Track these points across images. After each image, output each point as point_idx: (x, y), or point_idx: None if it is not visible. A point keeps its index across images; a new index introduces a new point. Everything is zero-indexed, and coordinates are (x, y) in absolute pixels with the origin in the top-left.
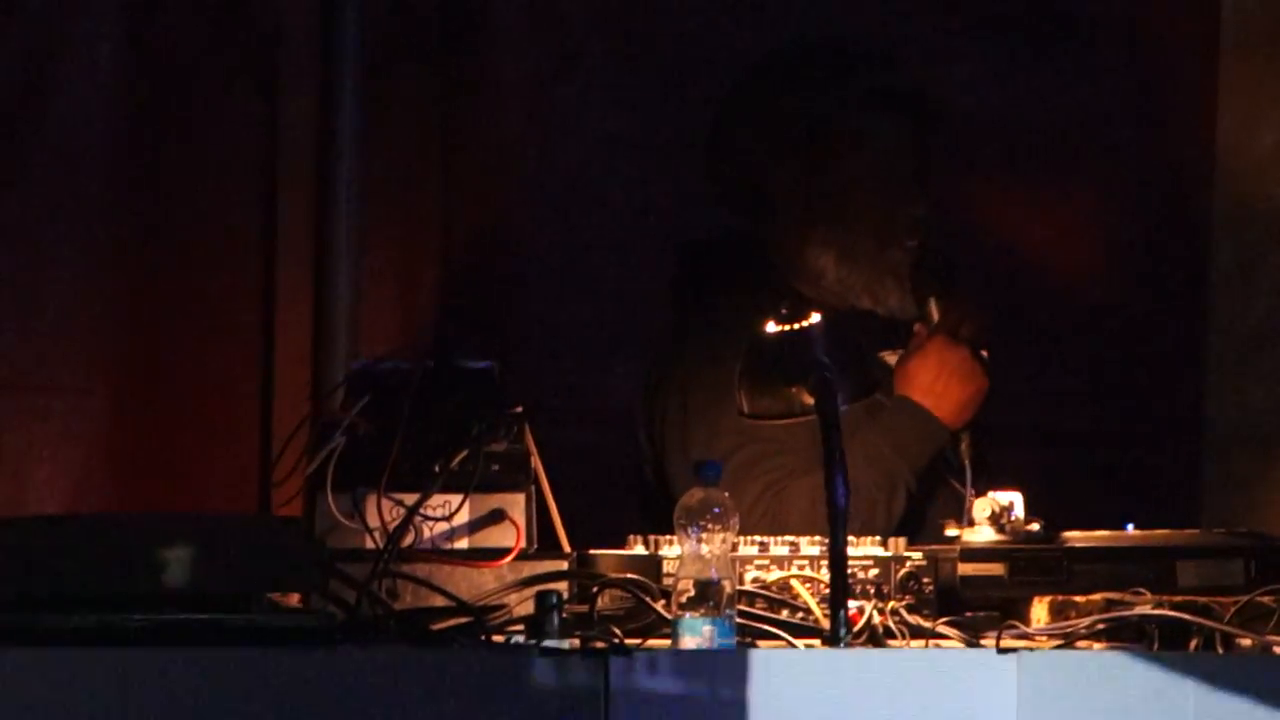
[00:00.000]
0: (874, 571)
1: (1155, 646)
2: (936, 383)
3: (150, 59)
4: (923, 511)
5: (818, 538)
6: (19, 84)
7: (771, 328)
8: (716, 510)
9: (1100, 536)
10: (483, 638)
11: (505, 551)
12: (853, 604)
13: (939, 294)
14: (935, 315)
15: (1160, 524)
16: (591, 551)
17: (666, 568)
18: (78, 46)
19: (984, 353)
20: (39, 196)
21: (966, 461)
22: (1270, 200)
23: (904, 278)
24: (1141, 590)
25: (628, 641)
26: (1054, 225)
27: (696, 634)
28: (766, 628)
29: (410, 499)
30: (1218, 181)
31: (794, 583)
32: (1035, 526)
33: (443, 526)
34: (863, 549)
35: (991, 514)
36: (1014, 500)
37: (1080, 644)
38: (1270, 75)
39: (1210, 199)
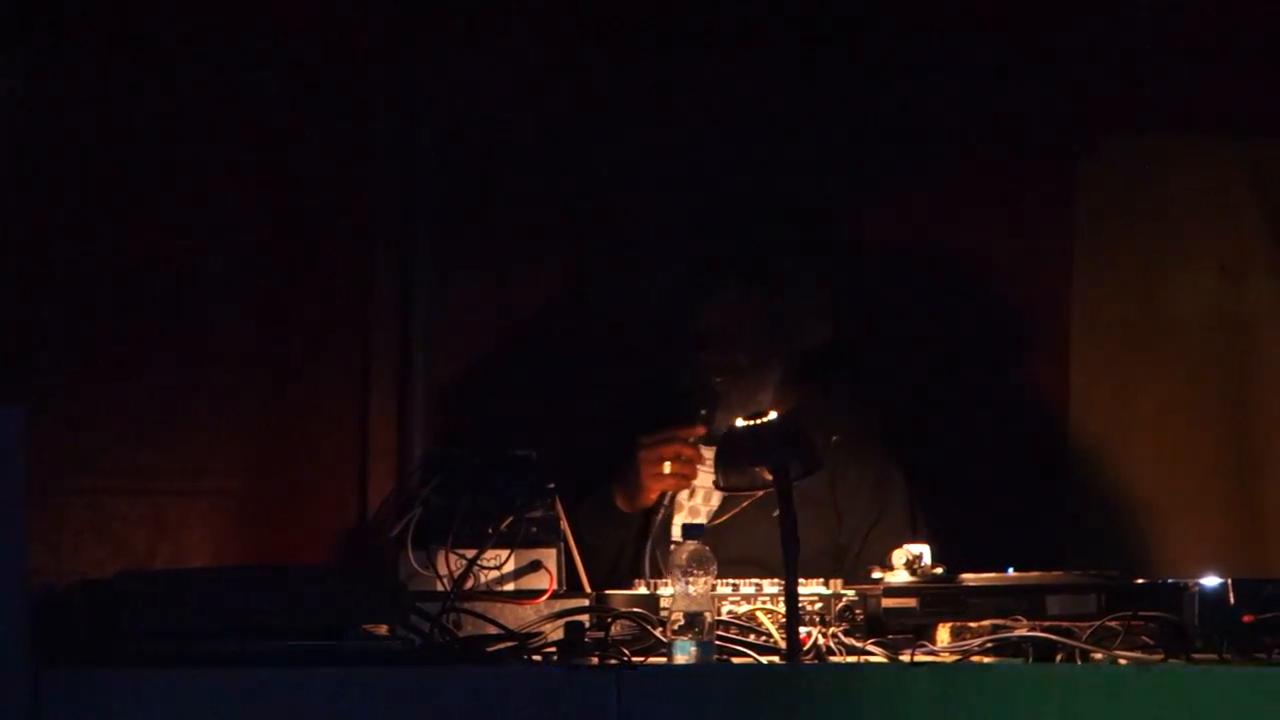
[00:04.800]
0: (819, 605)
1: (1030, 660)
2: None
3: (274, 242)
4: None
5: (776, 580)
6: (181, 260)
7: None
8: (700, 560)
9: (988, 577)
10: (525, 658)
11: (541, 592)
12: (803, 629)
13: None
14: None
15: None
16: (606, 591)
17: (663, 603)
18: (223, 228)
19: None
20: (191, 351)
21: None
22: None
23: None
24: (1019, 617)
25: (634, 659)
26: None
27: (686, 653)
28: (738, 648)
29: (470, 553)
30: None
31: (759, 614)
32: (939, 570)
33: (494, 573)
34: (810, 588)
35: (906, 561)
36: (923, 551)
37: (974, 658)
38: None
39: None
